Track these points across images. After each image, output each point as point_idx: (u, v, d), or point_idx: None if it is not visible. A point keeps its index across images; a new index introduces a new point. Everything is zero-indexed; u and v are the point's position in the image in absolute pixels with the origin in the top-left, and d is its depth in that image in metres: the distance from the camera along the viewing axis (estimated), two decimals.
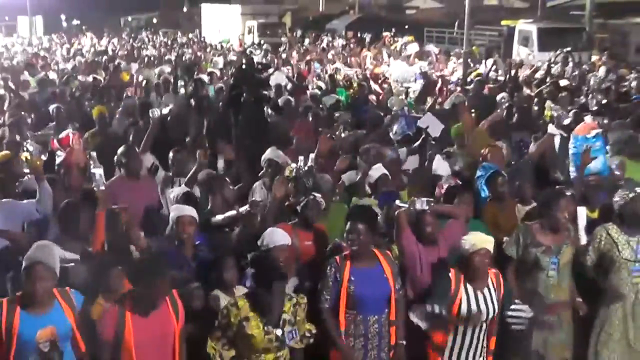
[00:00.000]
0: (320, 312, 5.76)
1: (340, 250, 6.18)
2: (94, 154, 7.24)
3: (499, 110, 12.00)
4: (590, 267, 6.55)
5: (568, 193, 6.75)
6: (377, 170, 7.87)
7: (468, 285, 5.80)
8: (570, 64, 19.50)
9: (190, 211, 6.42)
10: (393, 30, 33.20)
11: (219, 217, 6.97)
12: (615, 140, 8.83)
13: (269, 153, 8.32)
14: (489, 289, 5.85)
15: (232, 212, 6.90)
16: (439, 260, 6.29)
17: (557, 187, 7.20)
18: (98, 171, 6.60)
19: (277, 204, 6.94)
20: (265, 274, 5.29)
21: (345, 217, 6.09)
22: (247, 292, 5.53)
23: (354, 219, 5.86)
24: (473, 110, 11.60)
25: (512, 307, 6.08)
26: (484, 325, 5.85)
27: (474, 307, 5.74)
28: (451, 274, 5.82)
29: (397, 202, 6.63)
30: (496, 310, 5.84)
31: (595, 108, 12.77)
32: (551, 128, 8.79)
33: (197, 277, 5.94)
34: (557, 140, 9.11)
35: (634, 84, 15.86)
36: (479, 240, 5.80)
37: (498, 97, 13.39)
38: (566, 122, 9.50)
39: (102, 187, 6.51)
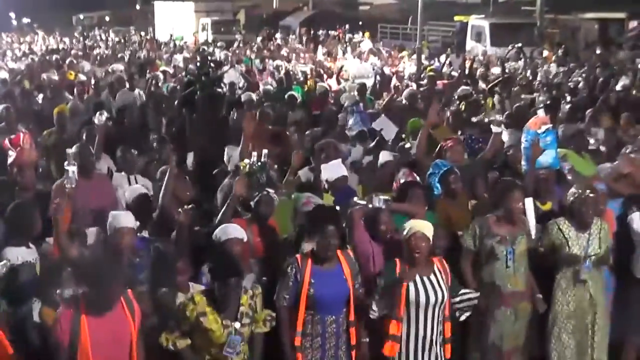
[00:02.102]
0: (277, 311, 5.74)
1: (291, 246, 6.19)
2: (69, 151, 7.13)
3: (456, 105, 12.15)
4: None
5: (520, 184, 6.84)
6: (337, 169, 7.89)
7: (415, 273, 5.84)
8: (522, 60, 19.72)
9: (127, 222, 6.22)
10: (347, 26, 33.29)
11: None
12: (562, 134, 8.98)
13: (229, 152, 8.26)
14: (435, 275, 5.89)
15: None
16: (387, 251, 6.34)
17: (506, 179, 7.28)
18: (72, 168, 6.51)
19: (237, 202, 6.92)
20: (221, 267, 5.29)
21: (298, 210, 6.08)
22: (205, 289, 5.51)
23: (326, 221, 5.78)
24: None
25: (459, 292, 6.12)
26: (436, 311, 5.87)
27: (421, 292, 5.78)
28: (397, 261, 5.88)
29: (355, 199, 6.65)
30: (445, 295, 5.87)
31: (541, 104, 12.93)
32: (494, 127, 8.90)
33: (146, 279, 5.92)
34: (505, 136, 9.21)
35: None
36: (416, 224, 5.88)
37: (458, 91, 13.50)
38: (499, 118, 9.64)
39: (73, 186, 6.42)
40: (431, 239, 5.90)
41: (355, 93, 13.83)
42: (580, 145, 9.06)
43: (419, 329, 5.86)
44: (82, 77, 16.51)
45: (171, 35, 32.66)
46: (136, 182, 8.02)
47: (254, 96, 12.93)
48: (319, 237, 5.73)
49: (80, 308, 4.77)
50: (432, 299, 5.80)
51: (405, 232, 5.87)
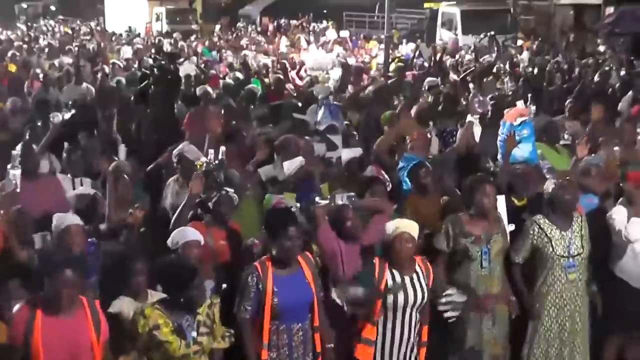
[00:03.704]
0: (238, 324, 5.65)
1: (252, 252, 6.16)
2: (14, 152, 7.05)
3: (424, 98, 12.18)
4: (518, 265, 6.64)
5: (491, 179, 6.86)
6: (298, 164, 7.89)
7: (394, 271, 5.87)
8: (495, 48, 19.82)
9: (74, 220, 6.21)
10: (311, 14, 33.31)
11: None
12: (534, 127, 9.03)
13: (180, 147, 8.22)
14: (417, 275, 5.92)
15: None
16: (363, 251, 6.34)
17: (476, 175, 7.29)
18: (15, 172, 6.44)
19: (193, 201, 6.87)
20: (176, 274, 5.24)
21: (264, 215, 6.05)
22: (162, 298, 5.44)
23: (287, 223, 5.70)
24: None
25: (445, 293, 6.11)
26: (414, 313, 5.90)
27: (401, 293, 5.80)
28: (375, 261, 5.89)
29: (317, 198, 6.63)
30: (425, 296, 5.89)
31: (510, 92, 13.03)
32: (469, 116, 8.93)
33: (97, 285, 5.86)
34: (477, 129, 9.25)
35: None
36: (402, 225, 5.90)
37: (425, 83, 13.53)
38: (480, 108, 9.69)
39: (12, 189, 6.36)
40: (416, 239, 5.93)
41: (329, 84, 13.81)
42: (552, 138, 9.12)
43: (395, 332, 5.88)
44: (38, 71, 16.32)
45: (130, 27, 32.38)
46: (81, 185, 7.90)
47: (210, 89, 12.84)
48: (282, 240, 5.64)
49: (36, 308, 4.82)
50: (411, 300, 5.82)
51: (390, 233, 5.88)
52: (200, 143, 8.28)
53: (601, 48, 22.17)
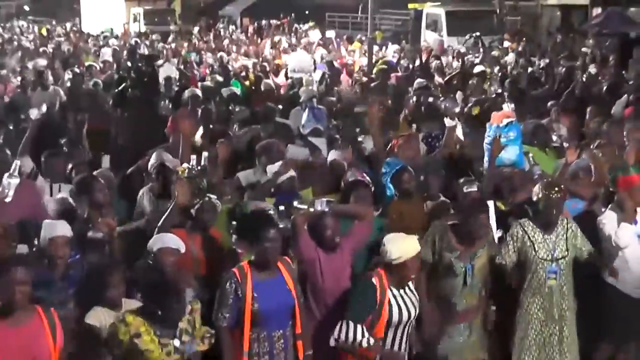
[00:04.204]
0: (217, 332, 5.61)
1: (236, 257, 6.16)
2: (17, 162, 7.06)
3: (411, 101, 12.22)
4: (509, 269, 6.69)
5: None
6: (288, 175, 7.88)
7: (393, 289, 5.85)
8: (481, 49, 19.95)
9: (63, 230, 6.16)
10: (293, 15, 33.32)
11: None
12: (523, 130, 9.09)
13: (155, 157, 8.20)
14: (409, 287, 5.95)
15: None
16: (343, 266, 6.35)
17: (475, 192, 7.30)
18: (11, 181, 6.48)
19: (177, 211, 6.84)
20: (155, 282, 5.24)
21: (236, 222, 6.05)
22: (141, 306, 5.43)
23: (268, 225, 5.73)
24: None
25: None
26: (407, 328, 5.93)
27: (403, 309, 5.83)
28: (375, 280, 5.82)
29: (295, 203, 6.65)
30: (417, 310, 5.94)
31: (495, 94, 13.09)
32: (447, 121, 8.96)
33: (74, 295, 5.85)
34: (459, 130, 9.29)
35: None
36: (408, 248, 5.82)
37: (415, 85, 13.57)
38: (457, 110, 9.73)
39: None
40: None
41: (313, 87, 13.82)
42: (543, 141, 9.18)
43: (393, 348, 5.91)
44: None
45: (112, 30, 32.29)
46: (59, 192, 7.87)
47: (198, 92, 12.85)
48: (260, 243, 5.66)
49: None
50: (405, 317, 5.85)
51: (394, 258, 5.79)
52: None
53: (584, 49, 22.26)
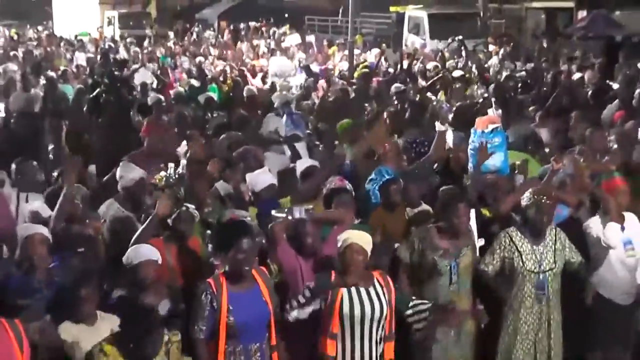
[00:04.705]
0: (193, 345, 5.61)
1: (212, 268, 6.14)
2: None
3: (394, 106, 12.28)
4: (492, 276, 6.70)
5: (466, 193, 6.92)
6: (263, 178, 7.88)
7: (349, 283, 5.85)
8: (464, 53, 19.99)
9: (40, 229, 6.25)
10: (271, 19, 33.33)
11: None
12: (515, 136, 9.12)
13: (121, 170, 8.14)
14: (374, 288, 5.90)
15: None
16: (321, 263, 6.34)
17: (450, 188, 7.35)
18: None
19: (157, 223, 6.82)
20: (134, 314, 5.20)
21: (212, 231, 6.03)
22: (117, 333, 5.36)
23: (242, 234, 5.70)
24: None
25: (410, 304, 6.13)
26: (374, 328, 5.87)
27: (356, 303, 5.79)
28: (332, 273, 5.87)
29: (273, 212, 6.63)
30: (384, 310, 5.87)
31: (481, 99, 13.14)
32: (438, 125, 8.98)
33: (54, 304, 5.80)
34: (449, 136, 9.32)
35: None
36: (351, 235, 5.87)
37: (392, 89, 13.62)
38: (449, 116, 9.77)
39: None
40: (369, 250, 5.91)
41: (288, 92, 13.84)
42: (536, 147, 9.23)
43: (354, 347, 5.85)
44: None
45: (76, 36, 32.12)
46: (27, 201, 7.82)
47: (162, 98, 12.83)
48: (234, 253, 5.63)
49: None
50: (368, 313, 5.80)
51: (340, 244, 5.88)
52: (158, 151, 8.27)
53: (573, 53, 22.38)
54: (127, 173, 7.73)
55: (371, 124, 10.31)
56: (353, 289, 5.82)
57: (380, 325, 5.89)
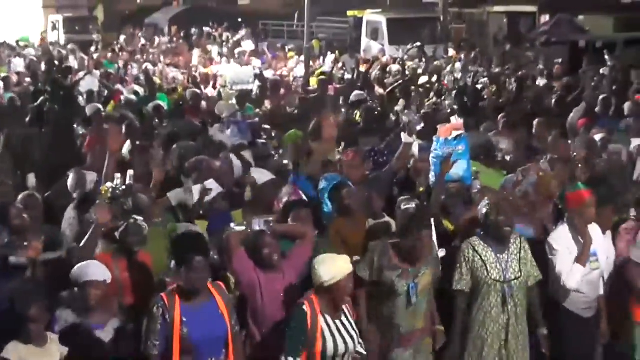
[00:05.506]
0: None
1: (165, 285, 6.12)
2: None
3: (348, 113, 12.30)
4: (463, 293, 6.72)
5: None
6: (212, 188, 7.85)
7: (326, 316, 5.81)
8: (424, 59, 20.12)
9: None
10: (225, 24, 33.26)
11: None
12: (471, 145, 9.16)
13: (74, 177, 8.07)
14: (346, 316, 5.93)
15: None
16: (286, 288, 6.32)
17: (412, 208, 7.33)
18: None
19: (99, 232, 6.80)
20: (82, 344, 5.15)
21: (169, 245, 5.99)
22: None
23: (192, 250, 5.70)
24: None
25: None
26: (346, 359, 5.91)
27: (339, 340, 5.79)
28: (305, 306, 5.79)
29: (232, 225, 6.61)
30: (355, 342, 5.92)
31: (449, 110, 13.22)
32: (405, 137, 9.00)
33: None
34: (415, 148, 9.34)
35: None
36: (340, 269, 5.81)
37: (352, 97, 13.63)
38: (418, 128, 9.81)
39: None
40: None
41: (234, 101, 13.82)
42: (490, 157, 9.29)
43: None
44: None
45: (17, 41, 31.80)
46: None
47: (102, 107, 12.73)
48: (186, 270, 5.64)
49: None
50: (342, 348, 5.81)
51: (326, 280, 5.78)
52: (102, 166, 8.19)
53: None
54: (83, 178, 7.68)
55: (315, 133, 10.29)
56: (331, 323, 5.82)
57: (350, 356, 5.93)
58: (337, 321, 5.86)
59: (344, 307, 5.95)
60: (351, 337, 5.89)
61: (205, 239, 6.29)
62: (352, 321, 5.96)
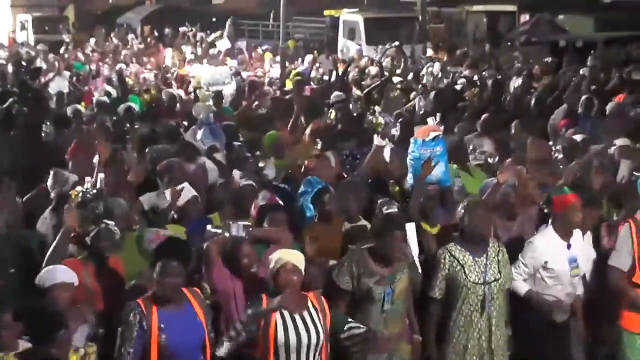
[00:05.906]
0: None
1: (143, 291, 6.10)
2: None
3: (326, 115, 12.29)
4: (437, 301, 6.76)
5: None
6: (185, 192, 7.82)
7: (283, 310, 5.81)
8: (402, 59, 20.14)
9: None
10: (198, 24, 33.18)
11: None
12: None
13: (53, 177, 8.04)
14: (309, 312, 5.89)
15: None
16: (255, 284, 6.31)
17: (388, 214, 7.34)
18: None
19: (68, 236, 6.77)
20: (41, 324, 5.12)
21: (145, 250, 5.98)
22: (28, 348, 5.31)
23: (168, 255, 5.69)
24: None
25: (346, 327, 6.11)
26: (311, 356, 5.85)
27: (291, 331, 5.77)
28: (263, 297, 5.82)
29: (209, 227, 6.59)
30: (321, 337, 5.87)
31: (422, 111, 13.25)
32: (377, 139, 9.02)
33: None
34: (387, 152, 9.36)
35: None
36: (285, 255, 5.87)
37: (332, 98, 13.64)
38: (393, 131, 9.82)
39: None
40: (303, 270, 5.91)
41: (211, 103, 13.80)
42: (461, 158, 9.32)
43: None
44: None
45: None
46: None
47: (82, 108, 12.67)
48: (159, 276, 5.63)
49: None
50: (305, 340, 5.78)
51: (272, 265, 5.85)
52: (85, 172, 8.17)
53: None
54: (62, 178, 7.67)
55: (298, 134, 10.31)
56: (287, 315, 5.80)
57: (317, 353, 5.88)
58: (297, 315, 5.80)
59: (309, 304, 5.90)
60: (317, 331, 5.80)
61: (188, 246, 6.27)
62: (319, 318, 5.87)
